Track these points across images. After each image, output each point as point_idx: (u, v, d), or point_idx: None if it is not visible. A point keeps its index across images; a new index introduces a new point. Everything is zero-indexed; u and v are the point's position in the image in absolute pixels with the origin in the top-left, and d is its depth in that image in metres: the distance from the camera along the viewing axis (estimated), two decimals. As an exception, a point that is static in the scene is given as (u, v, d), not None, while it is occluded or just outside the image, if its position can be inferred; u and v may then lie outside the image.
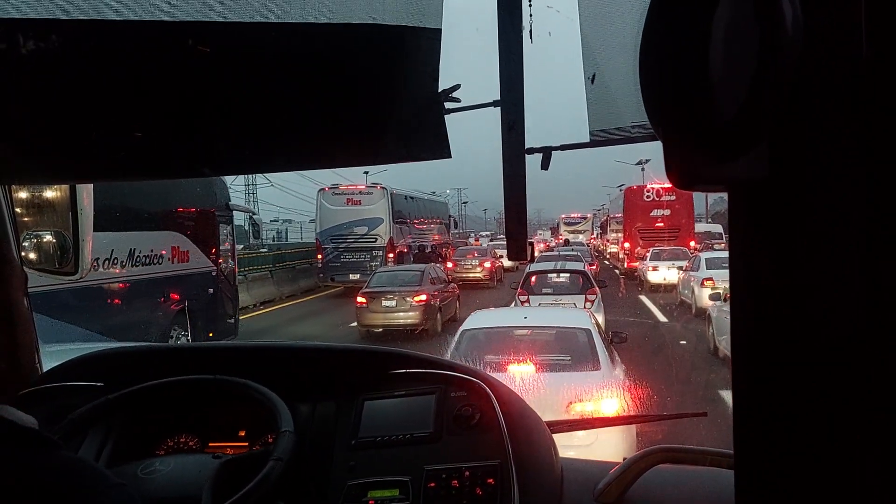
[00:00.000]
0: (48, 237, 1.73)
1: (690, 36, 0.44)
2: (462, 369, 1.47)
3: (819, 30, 0.41)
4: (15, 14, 0.82)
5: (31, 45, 0.83)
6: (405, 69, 0.90)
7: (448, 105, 0.94)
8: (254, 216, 15.28)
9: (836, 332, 0.42)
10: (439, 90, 0.93)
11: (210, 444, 1.46)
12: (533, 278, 11.89)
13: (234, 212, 12.29)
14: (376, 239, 21.44)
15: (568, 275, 12.02)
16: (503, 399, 1.37)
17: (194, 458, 1.33)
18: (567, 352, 5.51)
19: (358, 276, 19.35)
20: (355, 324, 13.22)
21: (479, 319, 6.59)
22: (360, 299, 12.99)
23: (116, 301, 8.90)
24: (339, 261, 20.98)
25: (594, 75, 0.90)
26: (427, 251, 24.08)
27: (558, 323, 6.15)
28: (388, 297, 12.72)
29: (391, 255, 21.18)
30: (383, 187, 22.53)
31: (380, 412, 1.41)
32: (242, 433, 1.48)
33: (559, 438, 1.47)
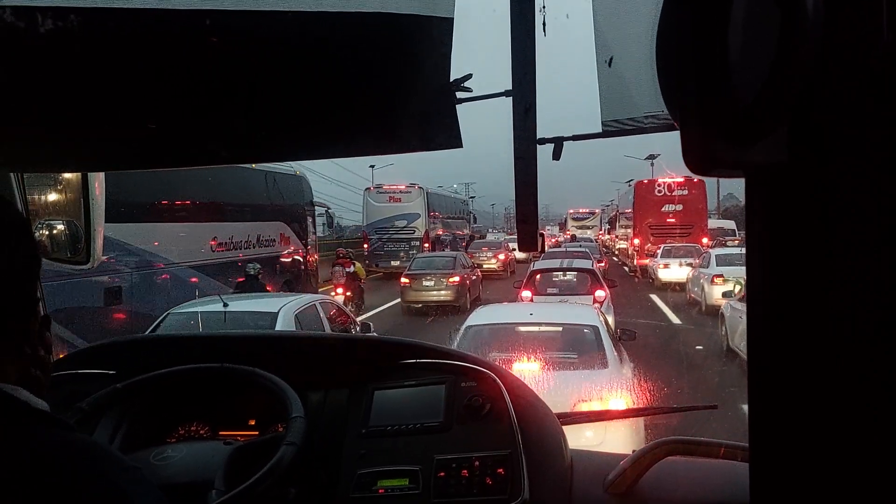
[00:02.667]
0: (60, 226, 1.74)
1: (709, 18, 0.43)
2: (472, 360, 1.47)
3: (840, 13, 0.40)
4: (28, 2, 0.82)
5: (43, 32, 0.83)
6: (417, 58, 0.90)
7: (459, 95, 0.94)
8: (329, 210, 18.69)
9: (857, 325, 0.42)
10: (451, 80, 0.92)
11: (220, 433, 1.47)
12: (537, 277, 11.29)
13: (315, 207, 16.05)
14: (414, 231, 25.03)
15: (575, 273, 11.36)
16: (513, 389, 1.37)
17: (206, 445, 1.34)
18: (574, 349, 5.33)
19: (398, 262, 22.67)
20: (398, 300, 15.70)
21: (484, 315, 6.35)
22: (403, 280, 15.44)
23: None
24: (382, 249, 24.44)
25: (611, 58, 0.89)
26: (464, 241, 28.64)
27: (565, 320, 5.92)
28: (428, 278, 15.15)
29: (426, 244, 24.64)
30: (420, 187, 25.99)
31: (390, 401, 1.41)
32: (252, 422, 1.49)
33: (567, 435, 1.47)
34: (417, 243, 24.34)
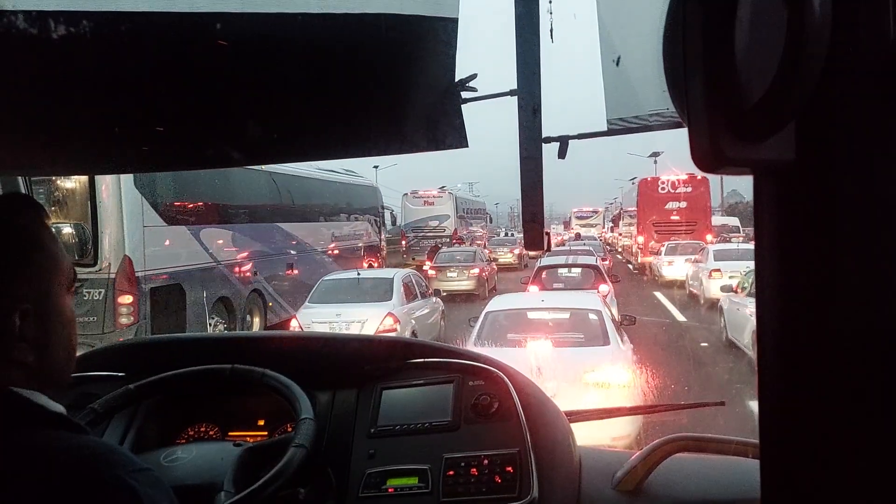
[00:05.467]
0: (67, 229, 1.75)
1: (717, 16, 0.43)
2: (480, 359, 1.47)
3: (847, 10, 0.40)
4: (35, 6, 0.82)
5: (51, 36, 0.83)
6: (422, 59, 0.90)
7: (465, 95, 0.94)
8: (392, 211, 24.49)
9: (867, 323, 0.42)
10: (456, 80, 0.92)
11: (230, 433, 1.48)
12: (543, 273, 12.11)
13: (385, 210, 21.51)
14: (445, 230, 29.11)
15: (579, 269, 12.18)
16: (521, 388, 1.37)
17: (215, 446, 1.35)
18: (580, 330, 6.11)
19: (431, 256, 27.29)
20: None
21: (501, 303, 7.19)
22: (430, 271, 17.86)
23: (350, 255, 16.55)
24: (417, 246, 28.09)
25: (619, 58, 0.89)
26: (482, 242, 32.29)
27: (572, 305, 6.71)
28: (452, 269, 17.77)
29: (455, 241, 28.29)
30: (451, 192, 30.60)
31: (398, 401, 1.42)
32: (261, 422, 1.49)
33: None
34: (447, 240, 28.00)
